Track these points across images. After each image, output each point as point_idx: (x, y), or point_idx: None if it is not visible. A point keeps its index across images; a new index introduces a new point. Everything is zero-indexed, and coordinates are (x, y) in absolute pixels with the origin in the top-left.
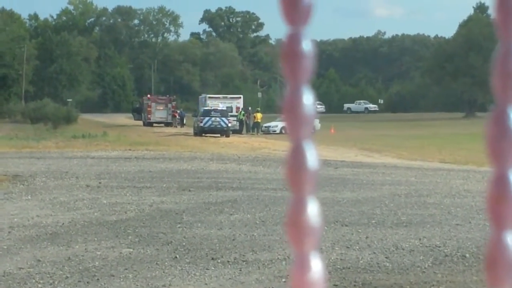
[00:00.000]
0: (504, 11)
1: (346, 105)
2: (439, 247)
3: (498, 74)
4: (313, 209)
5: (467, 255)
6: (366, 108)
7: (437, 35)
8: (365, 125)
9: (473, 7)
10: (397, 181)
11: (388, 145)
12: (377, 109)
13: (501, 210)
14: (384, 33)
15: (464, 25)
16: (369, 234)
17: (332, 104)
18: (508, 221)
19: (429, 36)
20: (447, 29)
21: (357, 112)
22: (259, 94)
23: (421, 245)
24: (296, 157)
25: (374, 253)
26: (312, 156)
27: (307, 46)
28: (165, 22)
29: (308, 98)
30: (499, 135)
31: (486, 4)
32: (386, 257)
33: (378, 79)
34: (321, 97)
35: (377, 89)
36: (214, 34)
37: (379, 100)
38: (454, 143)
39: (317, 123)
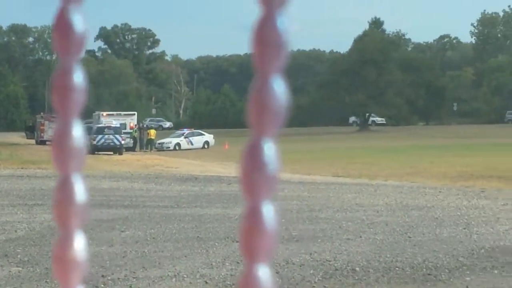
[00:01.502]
0: (259, 44)
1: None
2: (330, 261)
3: (253, 106)
4: (79, 244)
5: (357, 268)
6: None
7: (332, 50)
8: None
9: (368, 22)
10: (290, 196)
11: (282, 159)
12: (384, 121)
13: (254, 243)
14: None
15: (359, 40)
16: None
17: (228, 120)
18: (260, 254)
19: (324, 51)
20: (342, 44)
21: None
22: (154, 111)
23: (311, 259)
24: (64, 191)
25: None
26: (80, 190)
27: (78, 78)
28: None
29: (77, 131)
30: (253, 168)
31: (382, 19)
32: (276, 272)
33: None
34: (217, 112)
35: None
36: (109, 51)
37: None
38: (347, 157)
39: (211, 139)
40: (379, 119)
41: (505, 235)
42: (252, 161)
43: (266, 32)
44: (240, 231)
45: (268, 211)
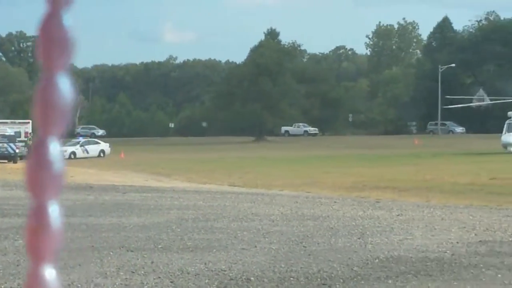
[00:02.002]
0: (44, 41)
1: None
2: (224, 271)
3: (38, 105)
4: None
5: (252, 278)
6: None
7: (228, 60)
8: (156, 149)
9: (264, 32)
10: (185, 206)
11: (178, 169)
12: (317, 131)
13: (39, 243)
14: (176, 58)
15: (255, 51)
16: (155, 259)
17: (123, 129)
18: (46, 254)
19: (220, 61)
20: (238, 55)
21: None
22: None
23: (206, 269)
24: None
25: (159, 277)
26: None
27: None
28: None
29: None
30: (38, 166)
31: (277, 30)
32: (171, 282)
33: (169, 103)
34: (112, 120)
35: (168, 113)
36: (4, 59)
37: (170, 124)
38: (244, 166)
39: (107, 148)
40: (311, 129)
41: (399, 245)
42: (38, 160)
43: (50, 30)
44: (25, 230)
45: (54, 210)
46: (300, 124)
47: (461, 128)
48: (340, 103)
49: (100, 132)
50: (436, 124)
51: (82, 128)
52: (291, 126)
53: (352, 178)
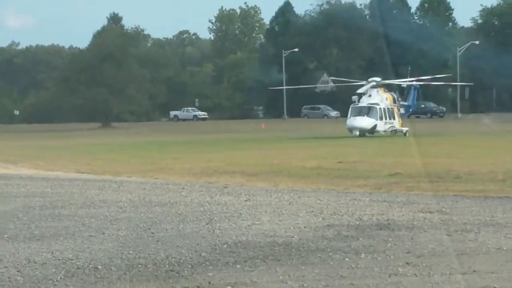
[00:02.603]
0: None
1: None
2: (72, 259)
3: None
4: None
5: (99, 266)
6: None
7: (71, 45)
8: (1, 136)
9: (107, 17)
10: (32, 193)
11: (25, 156)
12: (206, 116)
13: None
14: (18, 43)
15: (98, 36)
16: (1, 248)
17: None
18: None
19: (63, 46)
20: (82, 40)
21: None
22: None
23: (53, 258)
24: None
25: (6, 267)
26: None
27: None
28: None
29: None
30: None
31: (120, 15)
32: (17, 271)
33: (14, 90)
34: None
35: (13, 100)
36: None
37: (15, 111)
38: (91, 153)
39: None
40: (201, 113)
41: (247, 230)
42: None
43: None
44: None
45: None
46: (189, 108)
47: (335, 112)
48: (186, 88)
49: None
50: (312, 108)
51: None
52: (180, 110)
53: (201, 164)
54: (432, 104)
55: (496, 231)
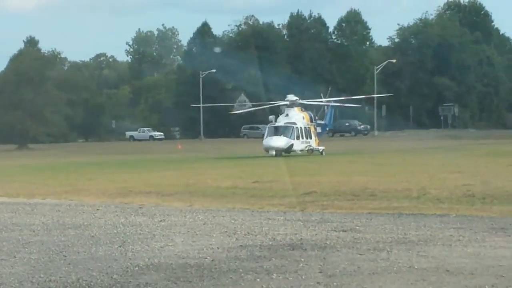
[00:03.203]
0: None
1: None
2: None
3: None
4: None
5: None
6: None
7: None
8: None
9: (23, 41)
10: None
11: None
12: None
13: None
14: None
15: (14, 59)
16: None
17: None
18: None
19: None
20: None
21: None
22: None
23: None
24: None
25: None
26: None
27: None
28: None
29: None
30: None
31: (36, 38)
32: None
33: None
34: None
35: None
36: None
37: None
38: (5, 175)
39: None
40: (157, 134)
41: (160, 252)
42: None
43: None
44: None
45: None
46: (145, 128)
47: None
48: (103, 110)
49: None
50: (251, 128)
51: None
52: (136, 131)
53: (116, 184)
54: (356, 122)
55: (408, 249)
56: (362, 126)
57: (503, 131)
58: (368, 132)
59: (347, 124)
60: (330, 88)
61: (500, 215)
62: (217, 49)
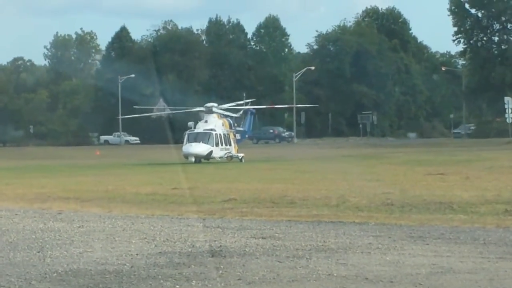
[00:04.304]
0: None
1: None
2: None
3: None
4: None
5: None
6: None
7: None
8: None
9: None
10: None
11: None
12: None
13: None
14: None
15: None
16: None
17: None
18: None
19: None
20: None
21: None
22: None
23: None
24: None
25: None
26: None
27: None
28: None
29: None
30: None
31: None
32: None
33: None
34: None
35: None
36: None
37: None
38: None
39: None
40: (133, 138)
41: (79, 258)
42: None
43: None
44: None
45: None
46: (120, 133)
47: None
48: (20, 114)
49: None
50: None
51: None
52: (111, 135)
53: (35, 189)
54: (281, 129)
55: (327, 256)
56: (287, 133)
57: (421, 140)
58: (292, 139)
59: (271, 131)
60: (245, 94)
61: (418, 223)
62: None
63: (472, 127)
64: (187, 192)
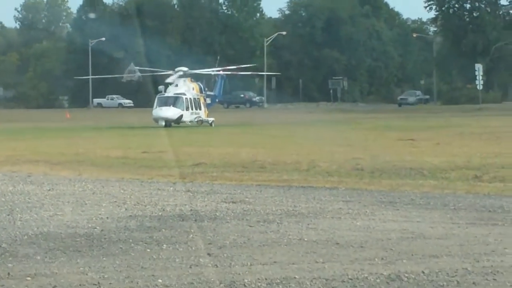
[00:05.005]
0: None
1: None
2: None
3: None
4: None
5: None
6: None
7: None
8: None
9: None
10: None
11: None
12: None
13: None
14: None
15: None
16: None
17: None
18: None
19: None
20: None
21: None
22: None
23: None
24: None
25: None
26: None
27: None
28: None
29: None
30: None
31: None
32: None
33: None
34: None
35: None
36: None
37: None
38: None
39: None
40: (126, 101)
41: (49, 221)
42: None
43: None
44: None
45: None
46: (114, 96)
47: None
48: None
49: None
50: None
51: None
52: (105, 98)
53: (4, 152)
54: (251, 94)
55: (298, 221)
56: (258, 98)
57: (391, 106)
58: (263, 104)
59: (242, 95)
60: (219, 58)
61: (389, 189)
62: (92, 15)
63: (419, 96)
64: (157, 156)
